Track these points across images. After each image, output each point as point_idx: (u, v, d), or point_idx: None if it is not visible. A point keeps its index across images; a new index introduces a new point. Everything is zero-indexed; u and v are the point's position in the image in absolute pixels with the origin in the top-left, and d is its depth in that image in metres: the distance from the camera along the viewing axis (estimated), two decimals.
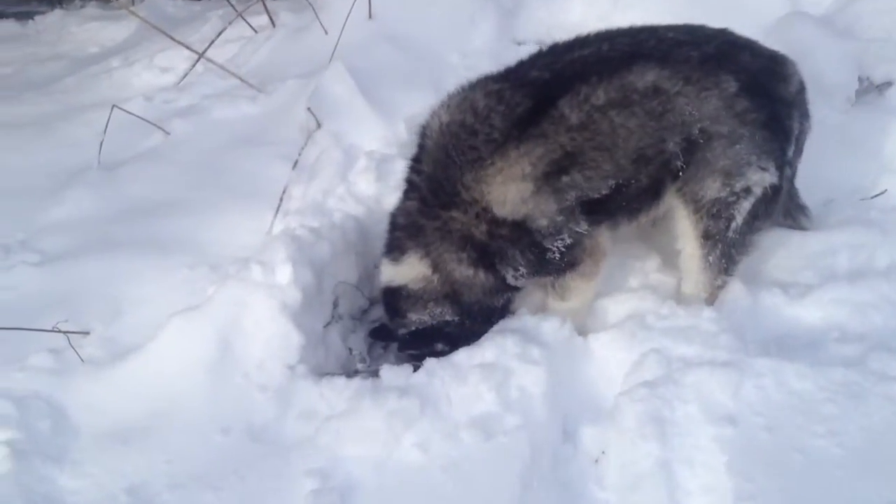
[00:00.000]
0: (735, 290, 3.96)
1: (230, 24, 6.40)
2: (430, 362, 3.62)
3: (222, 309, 3.67)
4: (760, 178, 3.69)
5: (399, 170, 4.42)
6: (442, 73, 5.34)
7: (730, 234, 3.78)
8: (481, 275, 3.69)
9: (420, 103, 4.86)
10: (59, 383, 3.58)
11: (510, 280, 3.72)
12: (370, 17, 5.73)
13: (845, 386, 3.31)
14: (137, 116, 5.20)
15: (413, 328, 3.86)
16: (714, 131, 3.59)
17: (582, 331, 3.83)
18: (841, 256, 4.11)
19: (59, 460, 3.31)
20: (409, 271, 3.75)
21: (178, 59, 6.31)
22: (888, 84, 5.23)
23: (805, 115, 3.90)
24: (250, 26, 6.52)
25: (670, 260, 4.15)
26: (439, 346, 3.83)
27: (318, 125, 4.86)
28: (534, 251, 3.62)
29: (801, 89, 3.87)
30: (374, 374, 3.72)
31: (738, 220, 3.76)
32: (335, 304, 4.09)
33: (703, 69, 3.59)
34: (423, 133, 3.77)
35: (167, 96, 5.78)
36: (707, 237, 3.79)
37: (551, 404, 3.43)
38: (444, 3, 5.87)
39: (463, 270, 3.68)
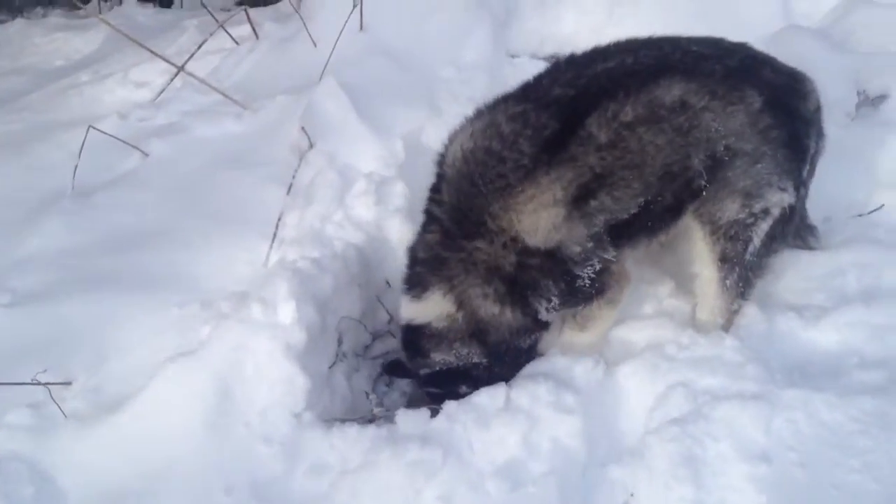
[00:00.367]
0: (750, 314, 3.79)
1: (211, 35, 5.89)
2: (449, 406, 3.31)
3: (220, 353, 3.31)
4: (780, 199, 3.52)
5: (398, 192, 4.22)
6: (436, 88, 5.06)
7: (747, 256, 3.59)
8: (508, 312, 3.42)
9: (416, 120, 4.69)
10: (42, 442, 3.20)
11: (542, 314, 3.46)
12: (361, 28, 5.34)
13: (876, 416, 3.16)
14: (113, 137, 4.73)
15: (437, 369, 3.57)
16: (738, 148, 3.40)
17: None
18: (850, 276, 3.96)
19: None
20: (433, 309, 3.46)
21: (154, 73, 5.83)
22: (882, 97, 5.08)
23: (821, 135, 3.73)
24: (231, 37, 6.04)
25: (683, 284, 3.96)
26: (463, 389, 3.52)
27: (311, 145, 4.49)
28: (565, 279, 3.38)
29: (819, 108, 3.70)
30: (391, 418, 3.40)
31: (756, 242, 3.58)
32: (339, 342, 3.74)
33: (728, 83, 3.40)
34: (442, 161, 3.50)
35: (143, 114, 5.29)
36: (724, 260, 3.60)
37: (582, 449, 3.18)
38: (438, 15, 5.54)
39: (489, 307, 3.41)
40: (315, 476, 3.14)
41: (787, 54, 3.93)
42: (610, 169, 3.27)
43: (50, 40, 7.47)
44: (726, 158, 3.40)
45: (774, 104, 3.44)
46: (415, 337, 3.55)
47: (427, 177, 3.60)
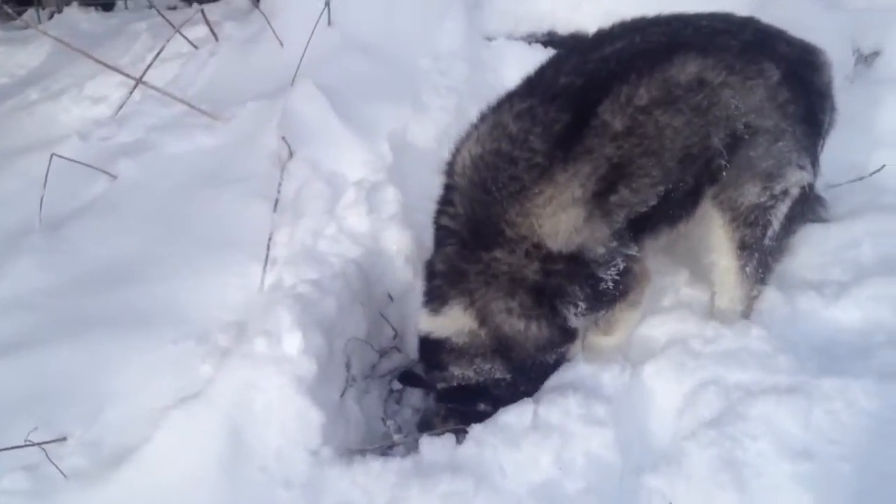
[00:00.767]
0: (770, 297, 3.76)
1: (168, 41, 5.61)
2: (476, 429, 3.21)
3: (226, 394, 3.16)
4: (799, 178, 3.47)
5: (391, 199, 4.10)
6: (416, 81, 4.93)
7: (766, 241, 3.54)
8: (534, 327, 3.30)
9: (400, 118, 4.57)
10: None
11: (571, 321, 3.35)
12: (329, 23, 5.17)
13: None
14: (75, 161, 4.51)
15: (455, 384, 3.45)
16: (759, 126, 3.33)
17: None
18: (864, 247, 3.96)
19: None
20: (452, 323, 3.34)
21: (111, 86, 5.56)
22: (876, 54, 5.11)
23: (833, 108, 3.68)
24: (188, 41, 5.80)
25: (698, 272, 3.90)
26: (482, 407, 3.42)
27: (291, 153, 4.33)
28: (590, 283, 3.27)
29: (831, 80, 3.64)
30: (411, 445, 3.33)
31: (776, 225, 3.52)
32: (348, 366, 3.61)
33: (746, 58, 3.33)
34: (451, 171, 3.37)
35: (105, 132, 5.03)
36: (744, 247, 3.54)
37: (617, 460, 3.11)
38: (407, 2, 5.39)
39: (514, 323, 3.28)
40: None
41: (782, 18, 3.88)
42: (628, 157, 3.16)
43: None
44: (747, 136, 3.32)
45: (791, 78, 3.37)
46: (432, 350, 3.43)
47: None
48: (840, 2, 5.24)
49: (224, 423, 3.11)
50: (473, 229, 3.23)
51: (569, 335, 3.43)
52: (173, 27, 5.69)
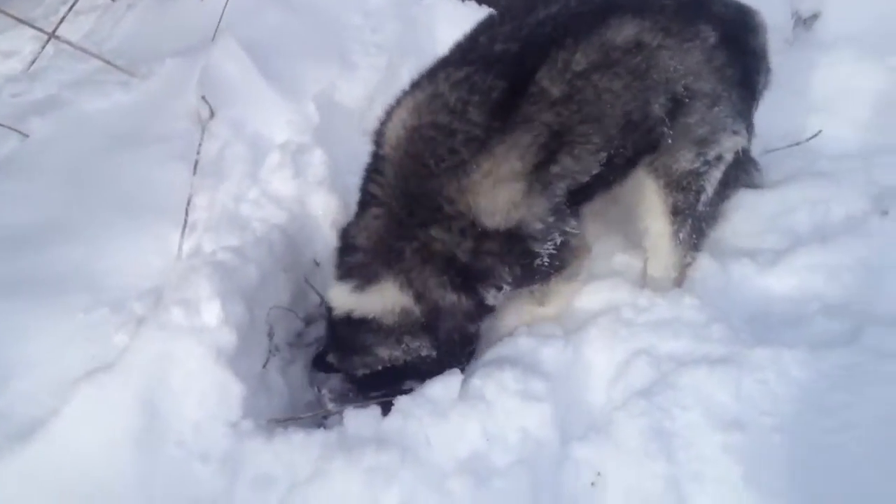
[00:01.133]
0: (703, 265, 3.80)
1: None
2: (402, 401, 3.19)
3: (141, 365, 3.09)
4: (734, 143, 3.50)
5: (318, 161, 4.06)
6: (344, 39, 4.85)
7: (700, 207, 3.56)
8: (463, 300, 3.28)
9: (327, 77, 4.50)
10: None
11: (489, 301, 3.34)
12: None
13: (846, 369, 3.18)
14: None
15: (380, 367, 3.40)
16: (697, 89, 3.33)
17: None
18: (800, 214, 4.01)
19: None
20: (382, 302, 3.28)
21: (22, 40, 5.38)
22: (815, 17, 5.10)
23: (768, 69, 3.68)
24: None
25: (631, 237, 3.93)
26: (408, 385, 3.39)
27: (213, 113, 4.22)
28: (523, 261, 3.25)
29: (766, 42, 3.64)
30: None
31: (709, 191, 3.55)
32: (270, 336, 3.56)
33: (682, 19, 3.31)
34: (380, 141, 3.30)
35: (17, 88, 4.89)
36: (676, 213, 3.56)
37: (554, 437, 3.12)
38: None
39: (449, 297, 3.26)
40: (261, 491, 2.98)
41: None
42: (568, 125, 3.13)
43: None
44: (686, 101, 3.32)
45: (728, 40, 3.36)
46: (353, 331, 3.36)
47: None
48: None
49: (139, 395, 3.05)
50: (407, 204, 3.18)
51: (489, 308, 3.43)
52: None
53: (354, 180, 3.50)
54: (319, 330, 3.88)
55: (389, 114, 3.32)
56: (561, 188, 3.18)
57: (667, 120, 3.30)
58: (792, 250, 3.75)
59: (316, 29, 4.89)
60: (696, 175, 3.46)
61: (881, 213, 3.85)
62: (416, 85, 3.31)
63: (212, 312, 3.23)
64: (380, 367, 3.41)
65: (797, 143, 4.42)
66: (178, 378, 3.12)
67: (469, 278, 3.23)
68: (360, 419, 3.17)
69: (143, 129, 4.31)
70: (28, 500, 2.90)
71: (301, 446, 3.06)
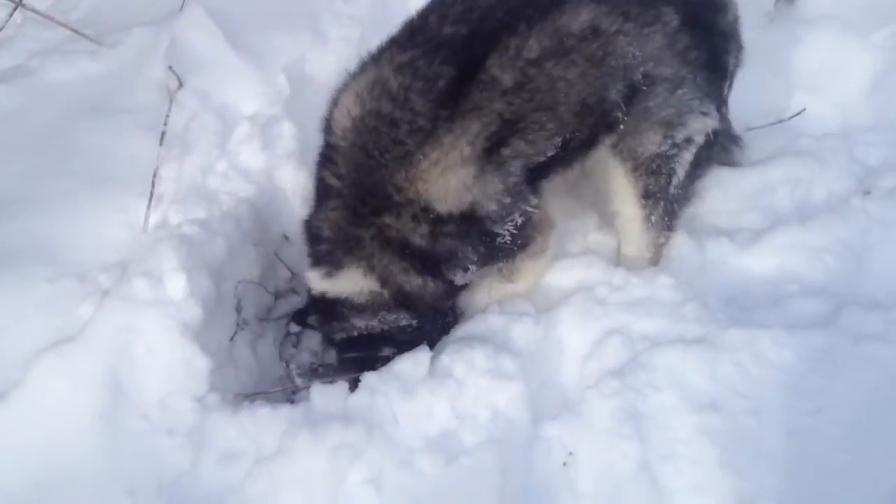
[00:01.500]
0: (680, 243, 3.80)
1: None
2: (369, 377, 3.21)
3: (104, 338, 3.10)
4: (703, 125, 3.47)
5: (287, 134, 4.05)
6: (316, 9, 4.79)
7: (671, 189, 3.57)
8: (430, 282, 3.30)
9: (298, 48, 4.47)
10: None
11: (458, 281, 3.36)
12: None
13: (824, 352, 3.20)
14: None
15: (356, 333, 3.42)
16: (657, 75, 3.29)
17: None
18: (780, 193, 4.02)
19: None
20: (351, 285, 3.30)
21: None
22: None
23: (739, 48, 3.67)
24: None
25: (607, 216, 3.91)
26: (386, 351, 3.41)
27: (181, 84, 4.19)
28: (484, 241, 3.25)
29: (737, 18, 3.63)
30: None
31: (680, 173, 3.54)
32: (238, 310, 3.57)
33: (641, 2, 3.26)
34: (329, 128, 3.27)
35: None
36: (647, 196, 3.56)
37: (525, 416, 3.14)
38: None
39: (413, 280, 3.27)
40: (226, 466, 3.00)
41: None
42: (521, 113, 3.11)
43: None
44: (645, 87, 3.29)
45: (692, 22, 3.33)
46: (329, 306, 3.39)
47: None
48: None
49: (102, 368, 3.05)
50: (359, 194, 3.17)
51: (461, 287, 3.45)
52: None
53: None
54: (289, 304, 3.92)
55: (336, 99, 3.28)
56: (516, 167, 3.16)
57: (622, 105, 3.28)
58: (771, 230, 3.75)
59: None
60: (666, 158, 3.46)
61: (863, 192, 3.85)
62: (362, 68, 3.27)
63: (177, 285, 3.23)
64: (356, 334, 3.43)
65: (779, 121, 4.42)
66: (142, 351, 3.12)
67: (432, 262, 3.24)
68: (328, 395, 3.17)
69: (109, 99, 4.29)
70: None
71: (267, 421, 3.08)
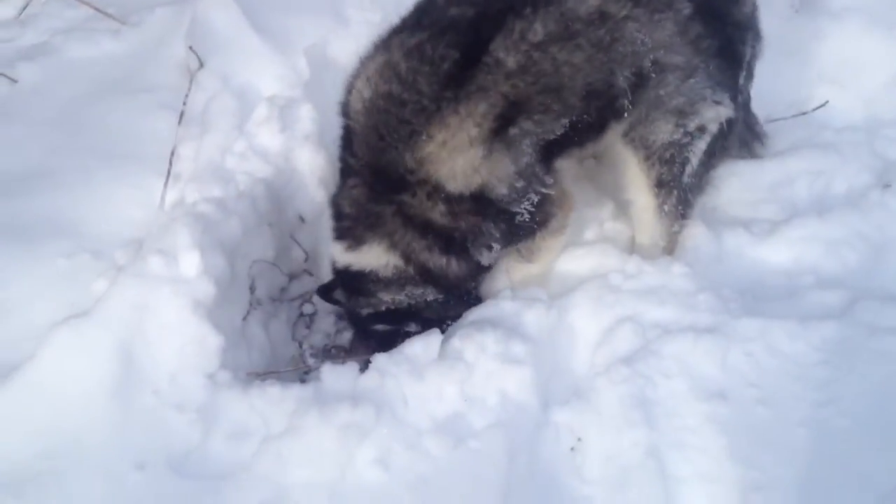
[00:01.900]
0: (696, 233, 3.79)
1: None
2: (379, 359, 3.22)
3: (118, 314, 3.11)
4: (716, 114, 3.47)
5: (306, 116, 4.04)
6: None
7: (685, 178, 3.56)
8: (454, 263, 3.32)
9: (319, 31, 4.47)
10: None
11: (484, 262, 3.38)
12: None
13: (837, 344, 3.19)
14: None
15: (384, 308, 3.46)
16: (667, 63, 3.28)
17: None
18: (799, 185, 4.01)
19: None
20: (374, 259, 3.34)
21: None
22: None
23: (758, 37, 3.65)
24: None
25: (623, 205, 3.90)
26: (412, 327, 3.45)
27: (201, 64, 4.22)
28: (503, 219, 3.26)
29: (755, 8, 3.61)
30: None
31: (694, 162, 3.54)
32: (252, 289, 3.60)
33: None
34: (346, 112, 3.32)
35: (7, 33, 4.91)
36: (661, 185, 3.56)
37: (534, 400, 3.14)
38: None
39: (436, 259, 3.30)
40: (236, 443, 3.02)
41: None
42: (526, 95, 3.11)
43: None
44: (654, 75, 3.28)
45: (705, 10, 3.31)
46: (355, 280, 3.42)
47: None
48: None
49: (115, 343, 3.07)
50: (375, 173, 3.21)
51: (487, 267, 3.47)
52: None
53: None
54: (303, 285, 3.94)
55: (351, 84, 3.32)
56: (526, 146, 3.17)
57: (629, 93, 3.27)
58: (789, 222, 3.74)
59: None
60: (679, 147, 3.46)
61: (883, 186, 3.85)
62: (375, 50, 3.30)
63: (190, 263, 3.24)
64: (384, 308, 3.46)
65: (802, 113, 4.41)
66: (155, 327, 3.14)
67: (455, 240, 3.26)
68: (337, 375, 3.19)
69: (130, 78, 4.35)
70: (6, 446, 2.93)
71: (277, 400, 3.10)
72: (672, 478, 2.95)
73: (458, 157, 3.10)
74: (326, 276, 3.67)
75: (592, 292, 3.48)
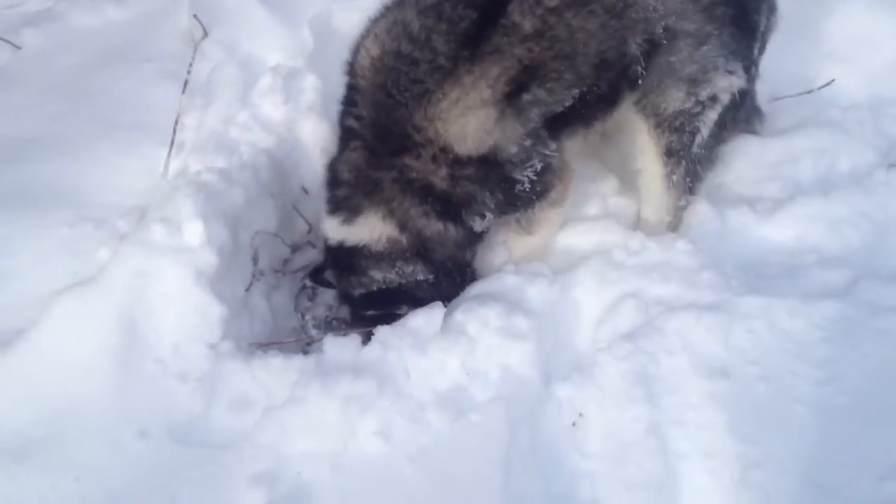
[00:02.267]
0: (700, 210, 3.77)
1: None
2: (382, 331, 3.22)
3: (120, 282, 3.11)
4: (728, 84, 3.45)
5: (310, 87, 4.03)
6: None
7: (695, 149, 3.54)
8: (451, 228, 3.30)
9: (325, 1, 4.41)
10: None
11: (476, 228, 3.36)
12: None
13: (839, 322, 3.19)
14: None
15: (375, 288, 3.43)
16: (680, 29, 3.27)
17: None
18: (804, 163, 3.98)
19: None
20: (369, 232, 3.31)
21: None
22: None
23: (772, 9, 3.62)
24: None
25: (628, 180, 3.91)
26: (403, 309, 3.40)
27: (205, 33, 4.21)
28: (503, 187, 3.26)
29: None
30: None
31: (704, 132, 3.52)
32: (255, 260, 3.58)
33: None
34: (352, 72, 3.29)
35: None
36: (670, 154, 3.55)
37: (535, 375, 3.15)
38: None
39: (433, 226, 3.29)
40: (237, 412, 3.03)
41: None
42: (540, 60, 3.11)
43: None
44: (666, 41, 3.27)
45: None
46: (347, 257, 3.40)
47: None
48: None
49: (117, 311, 3.08)
50: (379, 134, 3.19)
51: (479, 235, 3.45)
52: None
53: None
54: (306, 257, 3.94)
55: (358, 44, 3.30)
56: (536, 114, 3.17)
57: (642, 60, 3.26)
58: (792, 200, 3.72)
59: None
60: (690, 115, 3.44)
61: (888, 166, 3.82)
62: (383, 12, 3.29)
63: (193, 232, 3.23)
64: (375, 288, 3.43)
65: (808, 91, 4.38)
66: (158, 296, 3.14)
67: (451, 206, 3.24)
68: (340, 347, 3.19)
69: (134, 47, 4.33)
70: (5, 410, 2.94)
71: (279, 370, 3.11)
72: (673, 454, 2.95)
73: (470, 116, 3.10)
74: None
75: (596, 268, 3.48)
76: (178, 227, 3.25)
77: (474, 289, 3.47)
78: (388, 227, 3.29)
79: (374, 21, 3.29)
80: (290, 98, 3.97)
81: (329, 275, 3.54)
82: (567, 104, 3.21)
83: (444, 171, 3.16)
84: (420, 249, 3.34)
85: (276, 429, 2.93)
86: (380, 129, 3.18)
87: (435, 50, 3.08)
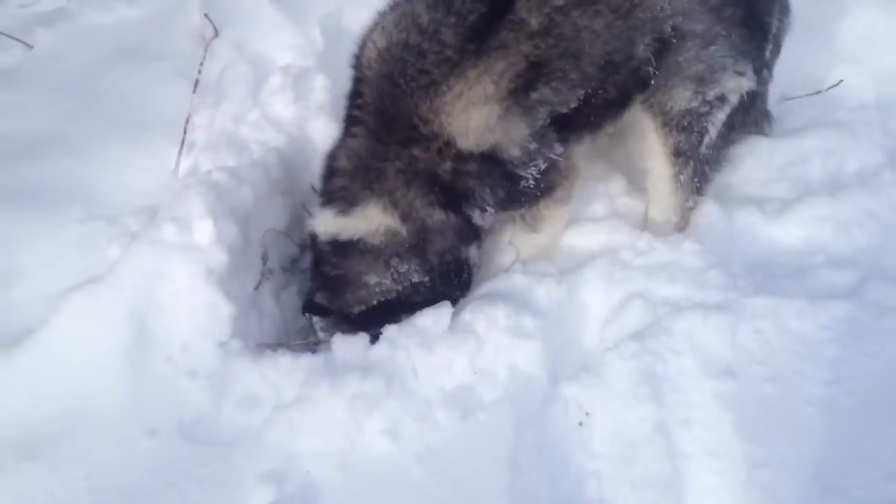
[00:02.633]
0: (708, 211, 3.76)
1: None
2: (389, 330, 3.22)
3: (131, 280, 3.13)
4: (737, 85, 3.43)
5: (320, 86, 4.04)
6: None
7: (703, 149, 3.53)
8: (452, 217, 3.28)
9: (335, 1, 4.39)
10: None
11: (476, 221, 3.34)
12: None
13: (846, 323, 3.17)
14: None
15: (375, 302, 3.37)
16: (687, 30, 3.26)
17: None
18: (812, 164, 3.96)
19: None
20: (366, 223, 3.26)
21: None
22: None
23: (785, 10, 3.60)
24: None
25: (635, 180, 3.91)
26: (403, 318, 3.35)
27: (216, 33, 4.22)
28: (506, 184, 3.24)
29: None
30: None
31: (712, 132, 3.51)
32: (264, 259, 3.58)
33: None
34: (358, 64, 3.29)
35: None
36: (678, 154, 3.53)
37: (542, 375, 3.15)
38: None
39: (437, 215, 3.25)
40: (246, 410, 3.04)
41: None
42: (546, 58, 3.11)
43: None
44: (674, 41, 3.26)
45: None
46: (340, 257, 3.32)
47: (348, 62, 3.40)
48: None
49: (127, 309, 3.09)
50: (383, 122, 3.17)
51: (478, 229, 3.42)
52: None
53: None
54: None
55: (366, 35, 3.30)
56: (542, 114, 3.16)
57: (653, 60, 3.26)
58: (801, 200, 3.71)
59: None
60: (697, 115, 3.43)
61: None
62: (393, 5, 3.29)
63: (203, 231, 3.25)
64: (374, 302, 3.37)
65: (817, 92, 4.35)
66: (167, 294, 3.15)
67: (453, 197, 3.23)
68: (348, 346, 3.19)
69: (145, 46, 4.33)
70: (15, 407, 2.96)
71: (287, 369, 3.11)
72: (679, 454, 2.94)
73: (472, 111, 3.09)
74: None
75: (603, 268, 3.48)
76: (188, 225, 3.26)
77: (482, 288, 3.46)
78: (389, 217, 3.24)
79: (383, 15, 3.28)
80: (300, 97, 3.97)
81: (321, 297, 3.42)
82: (572, 105, 3.20)
83: (447, 165, 3.15)
84: (419, 241, 3.29)
85: (285, 427, 2.94)
86: (384, 117, 3.17)
87: (443, 42, 3.07)
